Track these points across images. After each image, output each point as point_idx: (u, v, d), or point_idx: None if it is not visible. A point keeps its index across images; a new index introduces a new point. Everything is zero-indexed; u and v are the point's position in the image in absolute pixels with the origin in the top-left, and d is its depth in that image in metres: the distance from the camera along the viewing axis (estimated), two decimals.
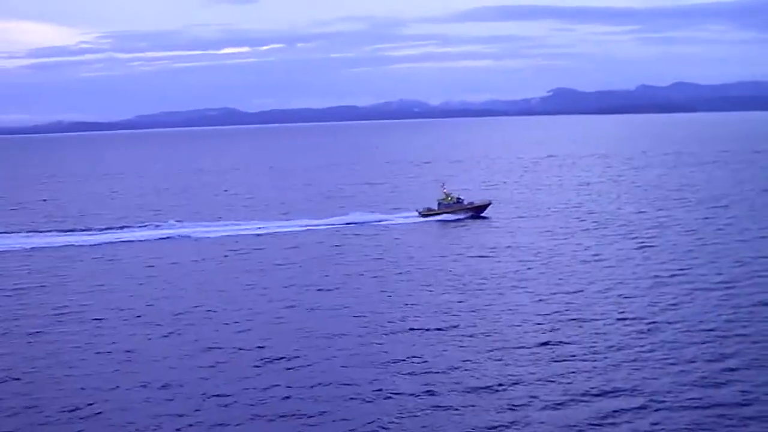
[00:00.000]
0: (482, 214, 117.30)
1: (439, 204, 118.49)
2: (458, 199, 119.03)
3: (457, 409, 43.39)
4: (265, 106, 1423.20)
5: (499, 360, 50.95)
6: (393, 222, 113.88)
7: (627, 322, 58.59)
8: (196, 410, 44.15)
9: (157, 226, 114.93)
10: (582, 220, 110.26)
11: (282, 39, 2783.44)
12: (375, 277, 77.78)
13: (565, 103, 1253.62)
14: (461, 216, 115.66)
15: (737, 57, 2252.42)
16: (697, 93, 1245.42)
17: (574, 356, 51.18)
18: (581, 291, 68.53)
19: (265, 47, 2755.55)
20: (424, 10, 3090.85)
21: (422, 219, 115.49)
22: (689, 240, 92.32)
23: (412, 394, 45.53)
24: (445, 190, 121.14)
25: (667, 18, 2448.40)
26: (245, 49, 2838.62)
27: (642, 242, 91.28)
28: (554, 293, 67.83)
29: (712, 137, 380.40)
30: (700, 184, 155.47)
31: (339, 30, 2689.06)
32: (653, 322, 58.09)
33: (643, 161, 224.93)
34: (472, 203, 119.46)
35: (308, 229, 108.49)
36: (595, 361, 50.04)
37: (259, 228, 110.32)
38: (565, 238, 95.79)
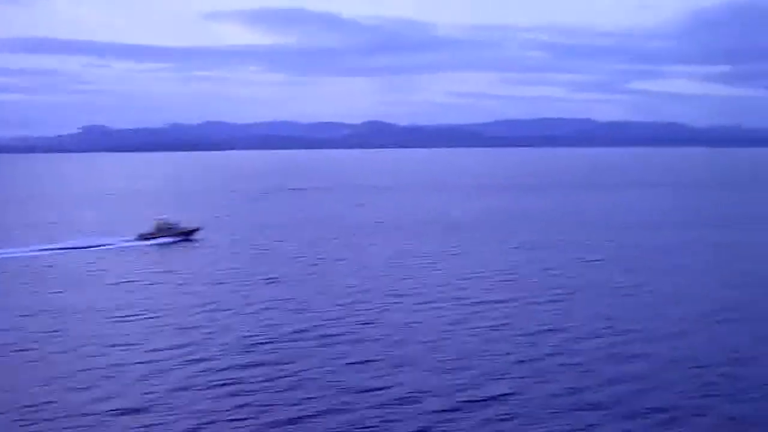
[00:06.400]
0: (191, 238, 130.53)
1: (156, 228, 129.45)
2: (172, 224, 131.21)
3: None
4: None
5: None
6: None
7: None
8: None
9: None
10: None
11: None
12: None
13: (98, 140, 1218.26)
14: (175, 239, 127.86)
15: (270, 97, 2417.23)
16: (230, 131, 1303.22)
17: None
18: None
19: None
20: None
21: (141, 242, 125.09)
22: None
23: None
24: (162, 217, 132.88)
25: (200, 58, 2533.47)
26: None
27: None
28: None
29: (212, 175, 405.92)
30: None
31: None
32: None
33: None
34: (183, 228, 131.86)
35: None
36: None
37: None
38: None
